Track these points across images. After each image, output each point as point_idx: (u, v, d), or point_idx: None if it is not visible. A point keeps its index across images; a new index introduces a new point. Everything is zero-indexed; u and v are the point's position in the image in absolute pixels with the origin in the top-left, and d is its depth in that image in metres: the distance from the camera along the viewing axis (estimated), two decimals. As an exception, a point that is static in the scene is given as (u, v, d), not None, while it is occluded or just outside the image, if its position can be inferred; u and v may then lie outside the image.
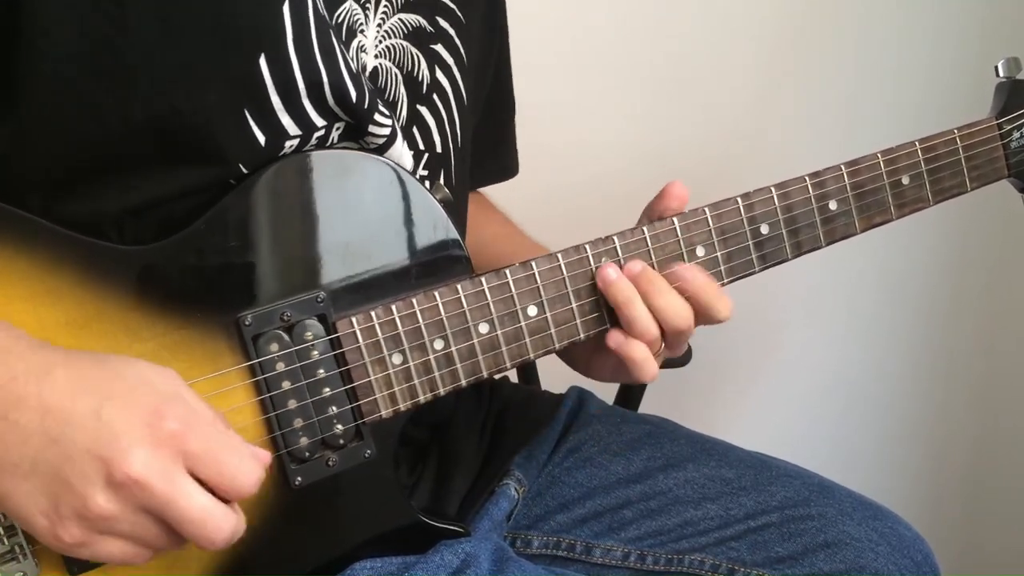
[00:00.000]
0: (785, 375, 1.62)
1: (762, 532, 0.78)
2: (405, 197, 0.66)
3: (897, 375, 1.64)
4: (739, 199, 0.73)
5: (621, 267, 0.69)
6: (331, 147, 0.66)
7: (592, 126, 1.38)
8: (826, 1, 1.43)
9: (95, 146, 0.59)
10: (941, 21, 1.46)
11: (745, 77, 1.44)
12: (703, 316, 0.71)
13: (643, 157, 1.39)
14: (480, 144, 0.86)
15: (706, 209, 0.72)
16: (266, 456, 0.56)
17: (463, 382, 0.67)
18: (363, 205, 0.65)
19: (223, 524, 0.53)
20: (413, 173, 0.71)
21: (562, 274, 0.69)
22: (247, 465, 0.54)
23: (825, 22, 1.44)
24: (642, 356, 0.69)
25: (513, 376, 0.97)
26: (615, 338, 0.69)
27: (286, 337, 0.62)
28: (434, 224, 0.67)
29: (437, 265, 0.67)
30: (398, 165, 0.66)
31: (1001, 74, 0.83)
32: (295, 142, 0.63)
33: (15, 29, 0.56)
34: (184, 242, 0.61)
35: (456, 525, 0.71)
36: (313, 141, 0.64)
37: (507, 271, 0.67)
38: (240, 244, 0.62)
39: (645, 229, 0.70)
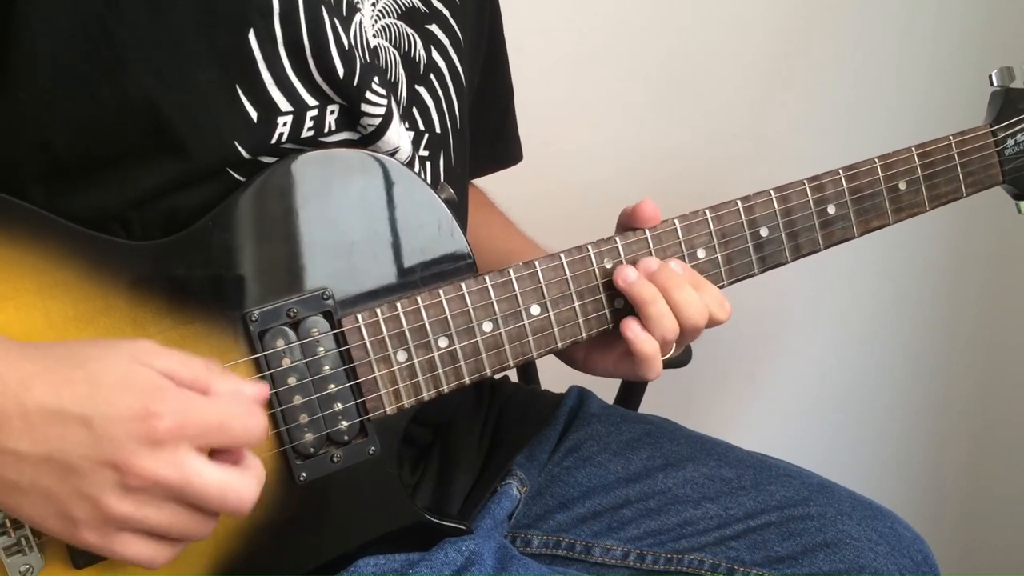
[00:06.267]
0: (785, 375, 1.62)
1: (762, 532, 0.78)
2: (410, 197, 0.66)
3: (897, 375, 1.64)
4: (739, 202, 0.73)
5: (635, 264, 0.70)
6: (330, 135, 0.66)
7: (593, 128, 1.38)
8: (826, 7, 1.44)
9: (91, 131, 0.60)
10: (941, 28, 1.46)
11: (746, 81, 1.45)
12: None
13: (644, 159, 1.40)
14: (482, 131, 0.86)
15: (707, 211, 0.72)
16: (263, 391, 0.56)
17: (467, 380, 0.67)
18: (369, 204, 0.65)
19: (244, 489, 0.53)
20: (414, 153, 0.71)
21: (565, 274, 0.69)
22: (253, 419, 0.54)
23: (825, 28, 1.44)
24: (653, 352, 0.69)
25: (513, 376, 0.98)
26: (632, 328, 0.69)
27: (292, 333, 0.63)
28: (439, 224, 0.67)
29: (441, 264, 0.67)
30: (404, 165, 0.67)
31: (995, 83, 0.85)
32: (288, 119, 0.64)
33: (10, 8, 0.57)
34: (191, 239, 0.61)
35: (459, 523, 0.71)
36: (307, 123, 0.65)
37: (511, 270, 0.68)
38: (247, 241, 0.62)
39: (647, 231, 0.71)
